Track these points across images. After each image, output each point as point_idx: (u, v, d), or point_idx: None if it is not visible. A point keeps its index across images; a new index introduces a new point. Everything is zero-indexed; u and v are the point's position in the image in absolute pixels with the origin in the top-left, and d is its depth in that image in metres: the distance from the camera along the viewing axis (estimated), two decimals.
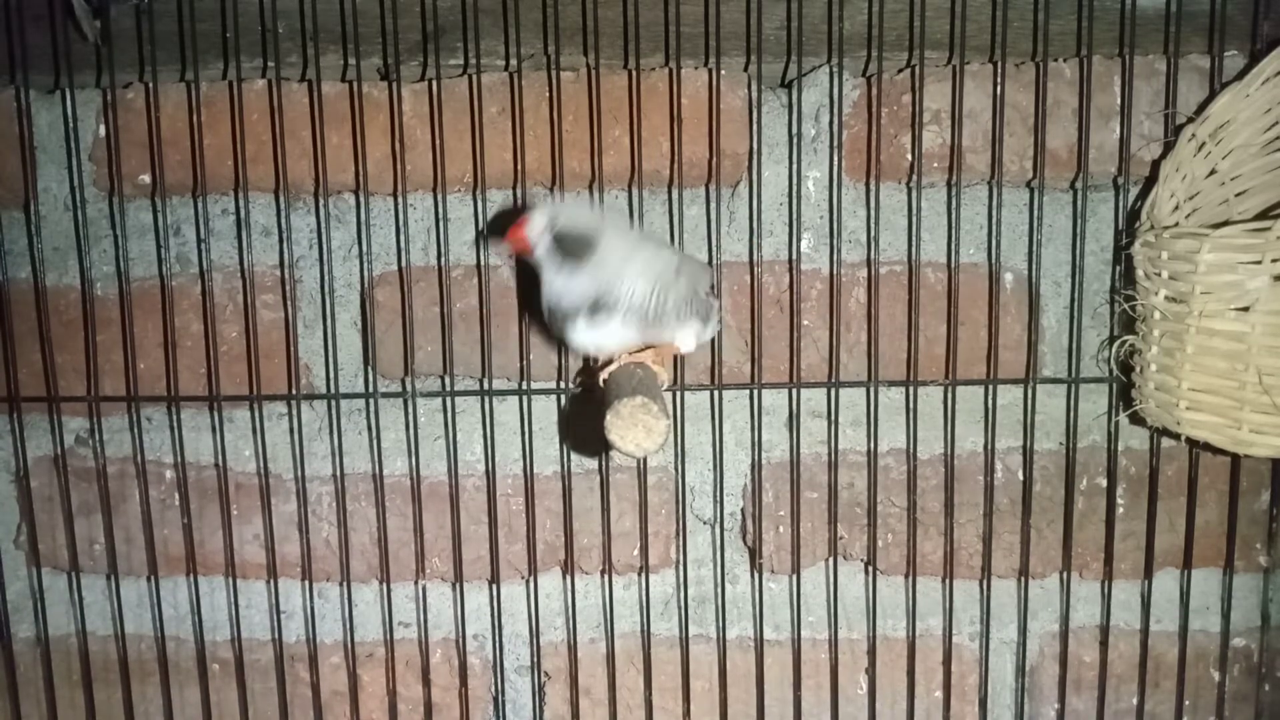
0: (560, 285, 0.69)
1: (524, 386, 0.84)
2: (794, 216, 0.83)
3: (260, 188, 0.83)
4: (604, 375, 0.75)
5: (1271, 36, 0.78)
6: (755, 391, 0.82)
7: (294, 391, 0.85)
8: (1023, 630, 0.86)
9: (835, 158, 0.81)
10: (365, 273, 0.83)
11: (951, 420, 0.83)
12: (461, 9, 0.77)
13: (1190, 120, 0.78)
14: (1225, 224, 0.76)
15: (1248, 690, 0.88)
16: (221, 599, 0.87)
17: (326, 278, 0.84)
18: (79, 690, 0.87)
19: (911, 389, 0.84)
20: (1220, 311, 0.70)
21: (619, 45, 0.80)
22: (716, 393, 0.84)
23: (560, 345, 0.83)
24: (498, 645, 0.87)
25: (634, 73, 0.82)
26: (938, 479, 0.86)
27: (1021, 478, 0.86)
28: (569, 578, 0.88)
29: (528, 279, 0.83)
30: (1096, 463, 0.86)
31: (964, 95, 0.80)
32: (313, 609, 0.88)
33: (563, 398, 0.86)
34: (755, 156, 0.80)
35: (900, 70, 0.82)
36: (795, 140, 0.83)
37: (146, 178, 0.83)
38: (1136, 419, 0.80)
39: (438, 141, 0.81)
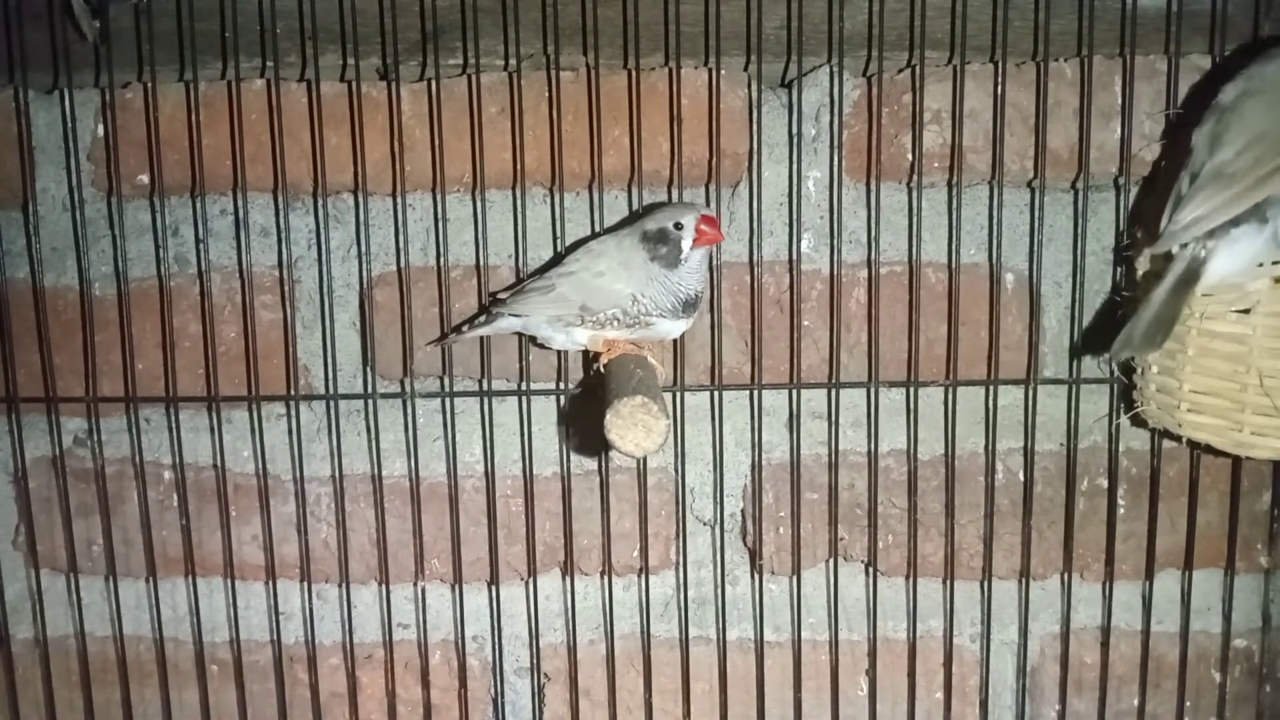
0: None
1: (523, 387, 0.84)
2: (794, 216, 0.83)
3: (259, 188, 0.83)
4: (600, 364, 0.75)
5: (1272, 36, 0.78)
6: (755, 392, 0.82)
7: (292, 392, 0.85)
8: (1024, 631, 0.85)
9: (835, 158, 0.81)
10: (364, 273, 0.83)
11: (952, 421, 0.83)
12: (461, 9, 0.77)
13: None
14: None
15: (1249, 691, 0.88)
16: (220, 600, 0.87)
17: (325, 278, 0.83)
18: (78, 691, 0.87)
19: (912, 390, 0.84)
20: (1221, 314, 0.70)
21: (619, 45, 0.80)
22: (716, 393, 0.84)
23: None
24: (497, 647, 0.87)
25: (634, 72, 0.81)
26: (938, 480, 0.86)
27: (1022, 479, 0.85)
28: (568, 579, 0.88)
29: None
30: (1097, 464, 0.86)
31: (964, 95, 0.80)
32: (311, 610, 0.88)
33: (562, 398, 0.85)
34: (755, 156, 0.80)
35: (900, 70, 0.82)
36: (795, 140, 0.83)
37: (145, 178, 0.83)
38: (1138, 420, 0.80)
39: (437, 141, 0.81)
